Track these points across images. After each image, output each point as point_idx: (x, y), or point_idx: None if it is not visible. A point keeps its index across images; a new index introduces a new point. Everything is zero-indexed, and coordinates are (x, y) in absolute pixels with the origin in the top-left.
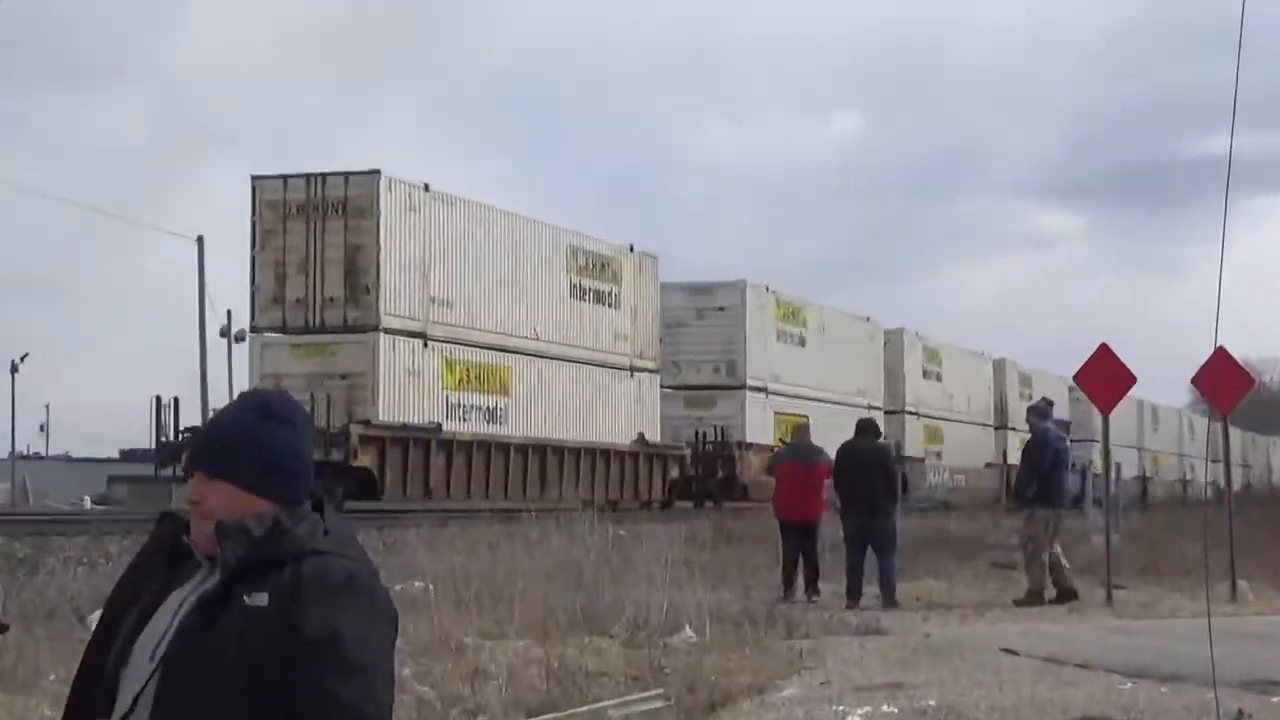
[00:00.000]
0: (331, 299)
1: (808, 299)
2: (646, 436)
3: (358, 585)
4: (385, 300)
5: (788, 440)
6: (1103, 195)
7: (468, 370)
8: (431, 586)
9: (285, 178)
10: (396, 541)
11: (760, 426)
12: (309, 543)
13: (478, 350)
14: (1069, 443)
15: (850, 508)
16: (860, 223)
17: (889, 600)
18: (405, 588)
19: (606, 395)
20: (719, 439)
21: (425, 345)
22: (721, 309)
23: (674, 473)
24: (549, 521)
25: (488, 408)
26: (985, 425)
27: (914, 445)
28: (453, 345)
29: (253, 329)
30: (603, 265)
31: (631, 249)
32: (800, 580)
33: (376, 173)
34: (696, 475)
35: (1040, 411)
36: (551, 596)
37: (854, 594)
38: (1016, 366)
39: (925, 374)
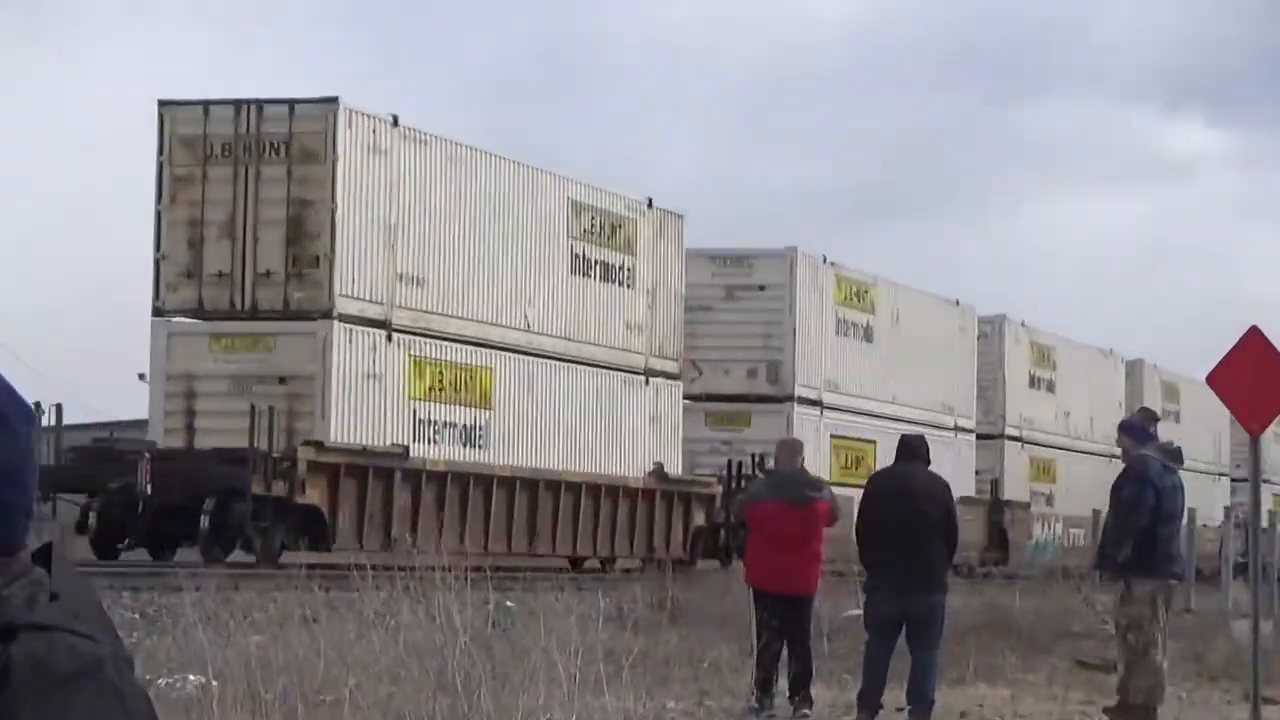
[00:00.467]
0: (268, 273)
1: (877, 273)
2: (666, 468)
3: (97, 678)
4: (341, 276)
5: (770, 466)
6: (1265, 102)
7: (441, 373)
8: (214, 683)
9: (206, 104)
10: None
11: (812, 454)
12: (23, 613)
13: (454, 346)
14: (1180, 479)
15: (884, 574)
16: (883, 135)
17: (922, 715)
18: (174, 685)
19: (614, 410)
20: (759, 469)
21: (389, 339)
22: (762, 288)
23: (699, 518)
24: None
25: (464, 425)
26: (1113, 458)
27: (1016, 484)
28: (423, 339)
29: (156, 312)
30: (613, 227)
31: (650, 204)
32: (783, 682)
33: (333, 101)
34: (727, 523)
35: (1136, 430)
36: (399, 703)
37: (869, 704)
38: (1158, 371)
39: (1034, 382)
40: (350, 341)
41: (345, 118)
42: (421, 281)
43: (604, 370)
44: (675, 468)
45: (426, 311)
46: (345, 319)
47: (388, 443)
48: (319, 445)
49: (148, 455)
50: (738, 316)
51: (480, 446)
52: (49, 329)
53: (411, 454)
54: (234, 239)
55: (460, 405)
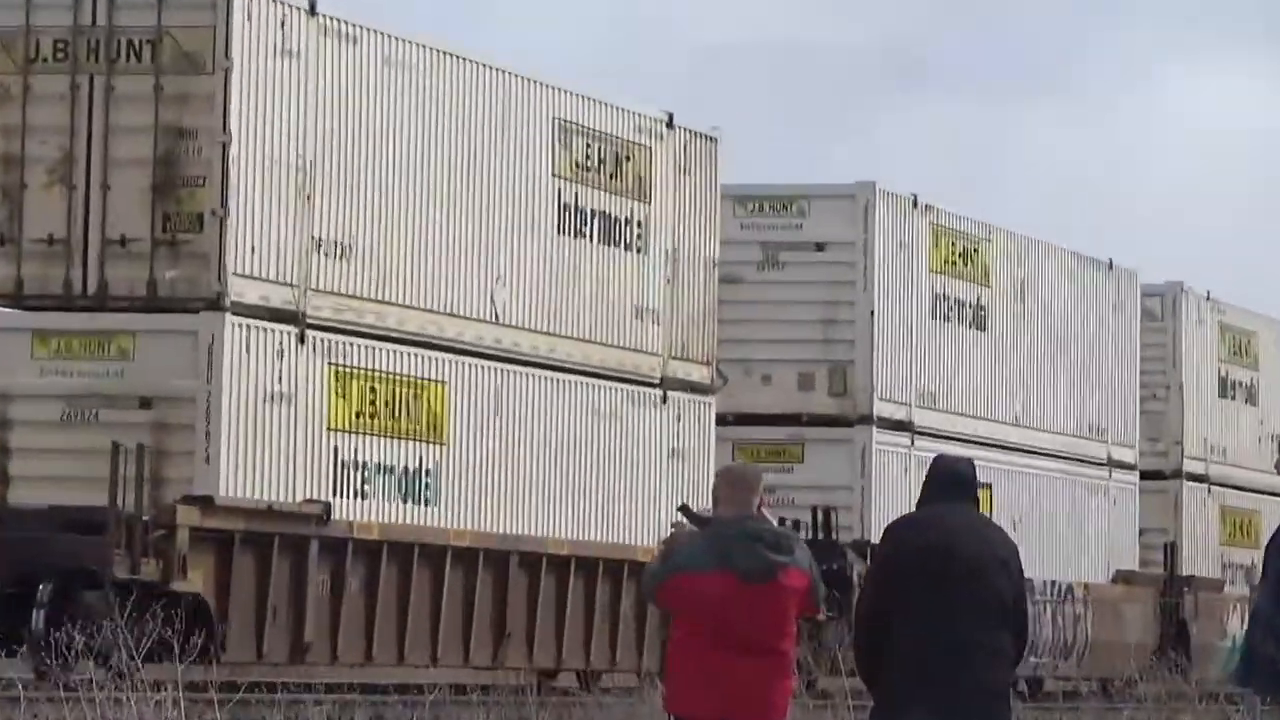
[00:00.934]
0: (123, 241)
1: (988, 219)
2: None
3: None
4: (237, 245)
5: (707, 512)
6: None
7: (373, 389)
8: None
9: None
10: None
11: (900, 506)
12: None
13: (391, 349)
14: None
15: (903, 700)
16: None
17: None
18: None
19: (618, 441)
20: (820, 532)
21: (302, 339)
22: (820, 247)
23: None
24: None
25: (404, 467)
26: None
27: (1202, 551)
28: (349, 338)
29: None
30: (617, 159)
31: (670, 122)
32: None
33: None
34: None
35: None
36: None
37: None
38: None
39: (1226, 388)
40: (248, 344)
41: (244, 5)
42: (347, 251)
43: (603, 381)
44: None
45: (353, 297)
46: (240, 310)
47: (298, 497)
48: (206, 503)
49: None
50: (782, 293)
51: (427, 501)
52: None
53: (334, 514)
54: (72, 187)
55: (398, 438)
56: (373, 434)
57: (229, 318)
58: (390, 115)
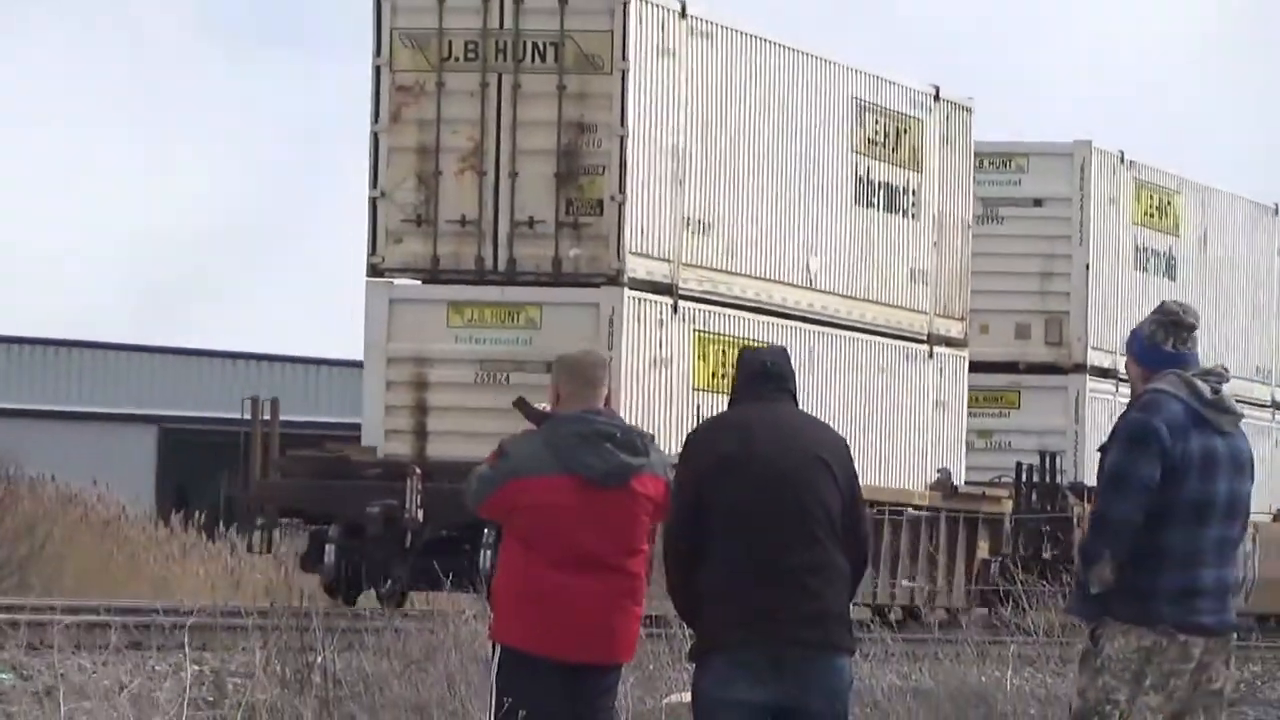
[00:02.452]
0: (531, 222)
1: (1180, 172)
2: (953, 476)
3: None
4: (630, 227)
5: (545, 408)
6: None
7: (723, 353)
8: None
9: None
10: None
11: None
12: None
13: (737, 315)
14: (1235, 440)
15: (729, 630)
16: None
17: None
18: None
19: (893, 394)
20: (1046, 477)
21: (675, 309)
22: (1037, 203)
23: (983, 548)
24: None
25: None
26: None
27: None
28: (709, 307)
29: (373, 271)
30: (897, 134)
31: (937, 95)
32: None
33: None
34: (1016, 552)
35: (1142, 346)
36: None
37: None
38: None
39: None
40: (638, 315)
41: (636, 10)
42: (707, 228)
43: (884, 339)
44: (961, 476)
45: (712, 270)
46: (633, 284)
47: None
48: None
49: (418, 471)
50: (1001, 246)
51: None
52: (224, 289)
53: None
54: (482, 174)
55: None
56: (724, 393)
57: (626, 292)
58: (739, 104)
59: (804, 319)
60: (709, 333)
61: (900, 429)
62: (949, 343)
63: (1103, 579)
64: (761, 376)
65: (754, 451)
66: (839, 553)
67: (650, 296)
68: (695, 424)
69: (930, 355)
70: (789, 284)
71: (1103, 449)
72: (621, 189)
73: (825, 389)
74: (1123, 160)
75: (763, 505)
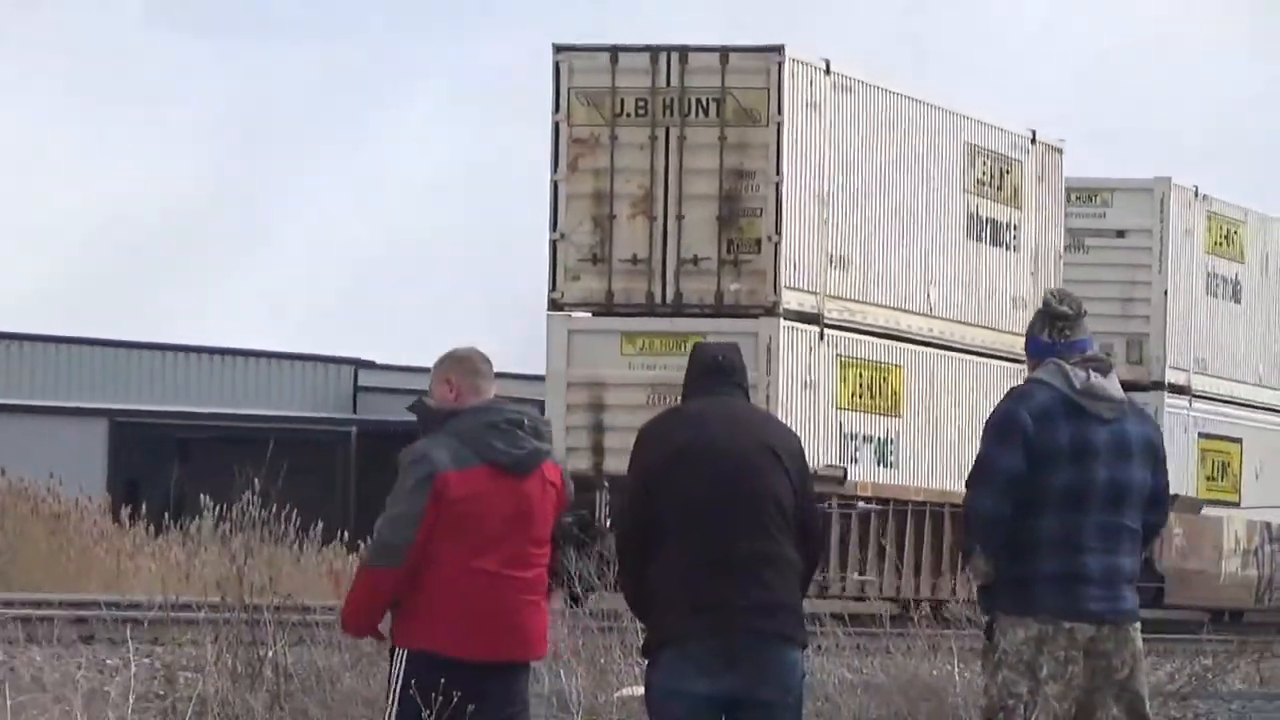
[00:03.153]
0: (695, 260)
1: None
2: None
3: None
4: (784, 263)
5: (433, 403)
6: None
7: (860, 375)
8: None
9: (614, 50)
10: None
11: (1175, 460)
12: None
13: (871, 341)
14: (1122, 427)
15: (681, 623)
16: None
17: None
18: None
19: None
20: None
21: (821, 336)
22: (1120, 234)
23: None
24: None
25: (878, 438)
26: None
27: None
28: (848, 334)
29: (553, 305)
30: (1001, 174)
31: (1034, 139)
32: None
33: (777, 50)
34: None
35: (1031, 338)
36: None
37: None
38: None
39: None
40: (792, 343)
41: (789, 68)
42: (847, 264)
43: (988, 360)
44: None
45: (850, 300)
46: (787, 315)
47: (820, 463)
48: None
49: (605, 484)
50: (1086, 274)
51: (891, 465)
52: (420, 321)
53: (847, 478)
54: (651, 217)
55: (874, 414)
56: (860, 411)
57: (780, 322)
58: (872, 150)
59: (925, 343)
60: (849, 357)
61: None
62: None
63: (979, 571)
64: (714, 371)
65: (707, 444)
66: (791, 546)
67: (800, 326)
68: (838, 440)
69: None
70: (913, 312)
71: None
72: (777, 230)
73: (943, 406)
74: (1197, 195)
75: (715, 498)
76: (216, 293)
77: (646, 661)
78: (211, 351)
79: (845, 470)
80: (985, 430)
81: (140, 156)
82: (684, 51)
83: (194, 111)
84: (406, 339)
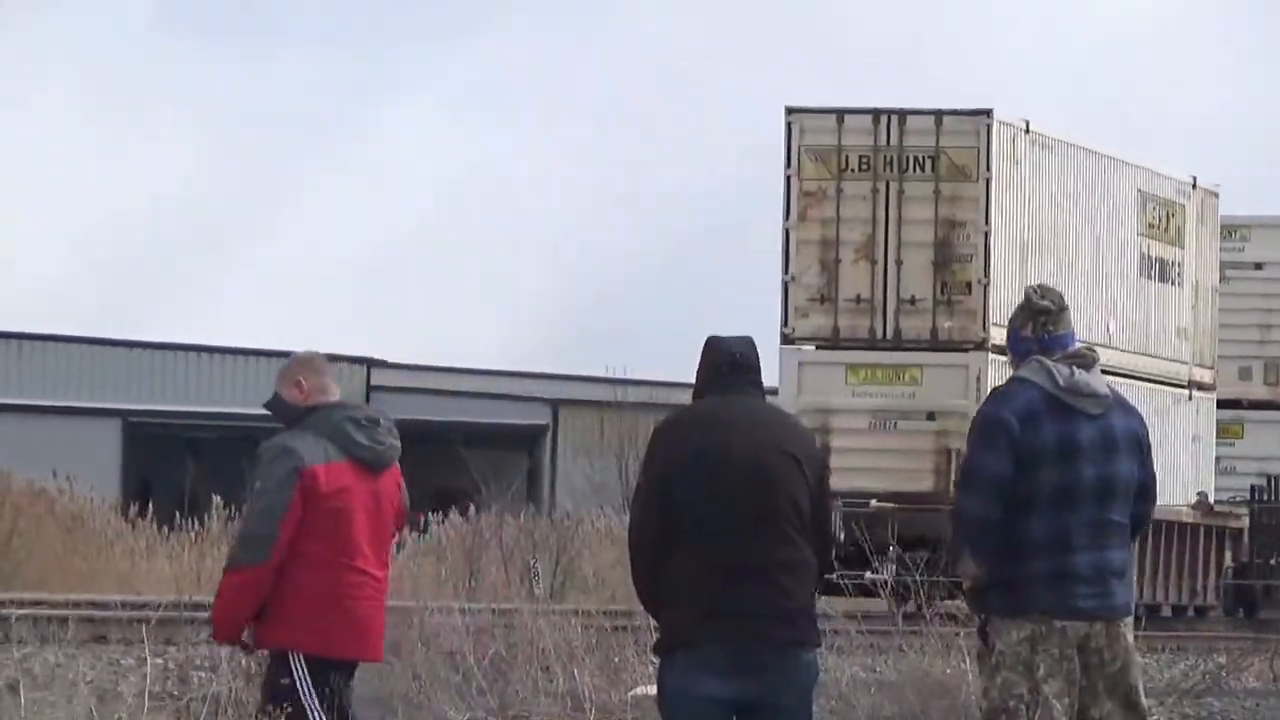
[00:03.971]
0: (913, 300)
1: None
2: (1209, 496)
3: None
4: (992, 303)
5: (289, 399)
6: None
7: None
8: None
9: (840, 113)
10: None
11: None
12: None
13: None
14: (1108, 423)
15: (694, 624)
16: None
17: None
18: None
19: (1163, 429)
20: (1271, 496)
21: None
22: (1258, 266)
23: (1227, 556)
24: None
25: None
26: None
27: None
28: None
29: (785, 339)
30: (1167, 217)
31: (1194, 184)
32: None
33: (986, 114)
34: (1253, 560)
35: (1011, 336)
36: None
37: None
38: None
39: None
40: (1000, 374)
41: (996, 129)
42: None
43: (1158, 386)
44: (1211, 497)
45: None
46: (995, 349)
47: None
48: None
49: (840, 502)
50: (1228, 303)
51: None
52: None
53: None
54: (873, 261)
55: None
56: None
57: (989, 355)
58: (1062, 199)
59: (1106, 372)
60: None
61: (1169, 460)
62: (1201, 387)
63: (968, 574)
64: (730, 367)
65: (724, 448)
66: (808, 548)
67: (1002, 358)
68: None
69: (1189, 398)
70: (1096, 344)
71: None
72: (986, 274)
73: None
74: None
75: (733, 503)
76: (229, 292)
77: (659, 661)
78: (224, 351)
79: None
80: (970, 434)
81: (151, 157)
82: (903, 114)
83: (207, 112)
84: (418, 337)
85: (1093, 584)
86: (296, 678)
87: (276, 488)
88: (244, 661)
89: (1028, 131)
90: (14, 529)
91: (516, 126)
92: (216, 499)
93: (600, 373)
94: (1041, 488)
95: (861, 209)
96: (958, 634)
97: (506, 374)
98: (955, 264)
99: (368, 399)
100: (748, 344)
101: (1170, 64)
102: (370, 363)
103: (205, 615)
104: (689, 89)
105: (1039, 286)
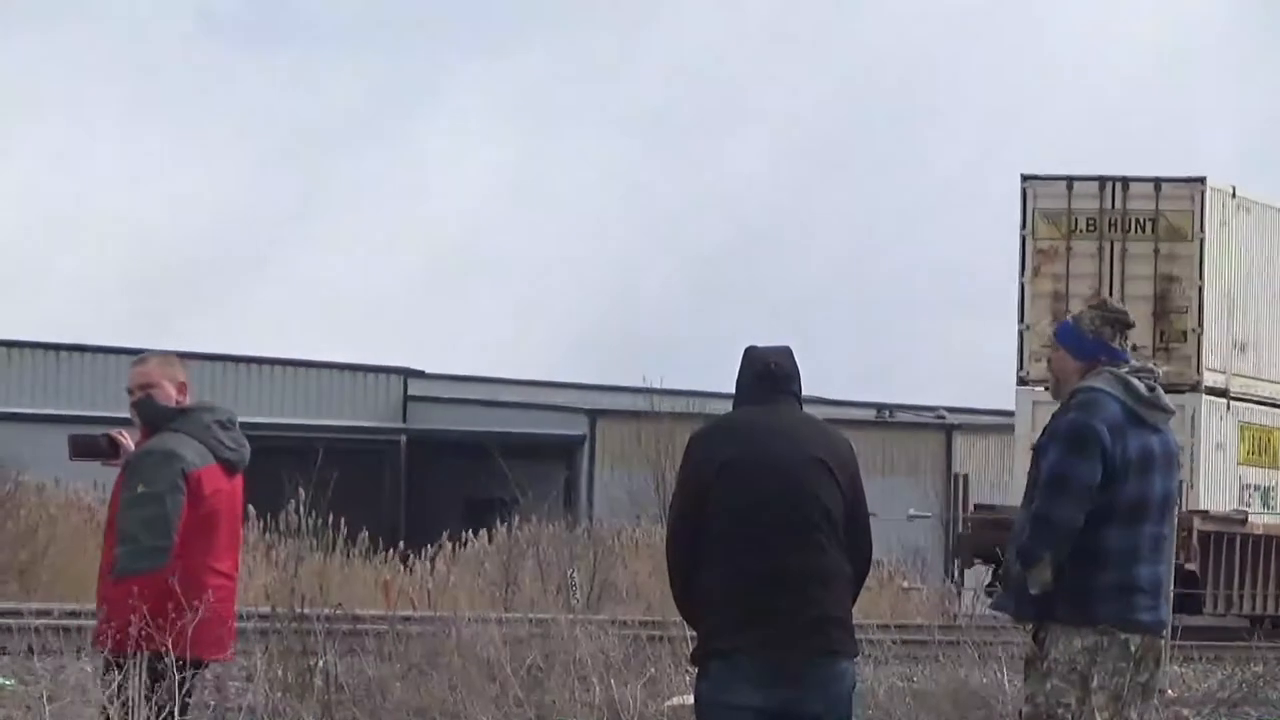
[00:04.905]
0: (1134, 347)
1: None
2: None
3: None
4: (1205, 350)
5: (160, 399)
6: None
7: (1256, 438)
8: None
9: (1070, 179)
10: None
11: None
12: None
13: (1264, 409)
14: (1167, 439)
15: (728, 634)
16: None
17: None
18: None
19: None
20: None
21: (1228, 407)
22: None
23: None
24: None
25: (1265, 488)
26: None
27: None
28: (1247, 405)
29: (1020, 382)
30: None
31: None
32: None
33: (1200, 181)
34: None
35: (1084, 340)
36: None
37: None
38: None
39: None
40: (1209, 414)
41: (1208, 195)
42: (1245, 347)
43: None
44: None
45: (1249, 377)
46: (1208, 391)
47: (1225, 508)
48: (1204, 514)
49: None
50: None
51: (1272, 508)
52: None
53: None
54: None
55: (1263, 467)
56: (1254, 466)
57: (1203, 396)
58: (1259, 254)
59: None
60: (1246, 423)
61: None
62: None
63: (1042, 580)
64: (765, 377)
65: (757, 458)
66: (842, 556)
67: (1215, 399)
68: (1239, 490)
69: None
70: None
71: (1038, 448)
72: (1199, 324)
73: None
74: None
75: (765, 510)
76: (265, 302)
77: (696, 670)
78: (260, 361)
79: (1245, 514)
80: (1058, 441)
81: (191, 165)
82: (1125, 181)
83: (246, 122)
84: (456, 348)
85: (1150, 596)
86: (164, 679)
87: (169, 492)
88: (280, 673)
89: (1234, 195)
90: (51, 538)
91: (559, 138)
92: (251, 509)
93: (638, 383)
94: (1120, 499)
95: (1089, 265)
96: (992, 644)
97: (544, 384)
98: (1173, 314)
99: (405, 410)
100: (784, 354)
101: None
102: (408, 373)
103: (240, 625)
104: (726, 94)
105: (1109, 299)
